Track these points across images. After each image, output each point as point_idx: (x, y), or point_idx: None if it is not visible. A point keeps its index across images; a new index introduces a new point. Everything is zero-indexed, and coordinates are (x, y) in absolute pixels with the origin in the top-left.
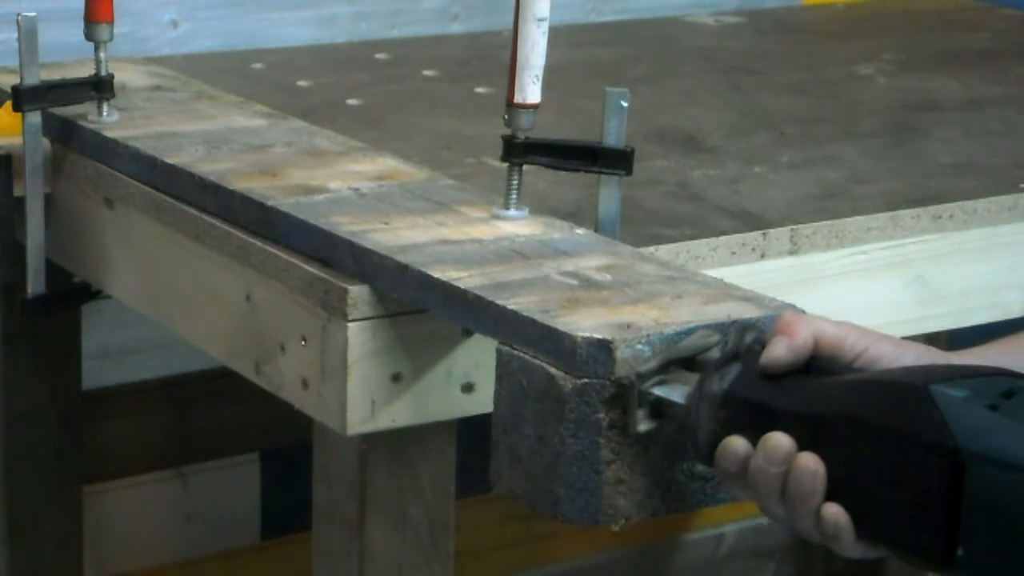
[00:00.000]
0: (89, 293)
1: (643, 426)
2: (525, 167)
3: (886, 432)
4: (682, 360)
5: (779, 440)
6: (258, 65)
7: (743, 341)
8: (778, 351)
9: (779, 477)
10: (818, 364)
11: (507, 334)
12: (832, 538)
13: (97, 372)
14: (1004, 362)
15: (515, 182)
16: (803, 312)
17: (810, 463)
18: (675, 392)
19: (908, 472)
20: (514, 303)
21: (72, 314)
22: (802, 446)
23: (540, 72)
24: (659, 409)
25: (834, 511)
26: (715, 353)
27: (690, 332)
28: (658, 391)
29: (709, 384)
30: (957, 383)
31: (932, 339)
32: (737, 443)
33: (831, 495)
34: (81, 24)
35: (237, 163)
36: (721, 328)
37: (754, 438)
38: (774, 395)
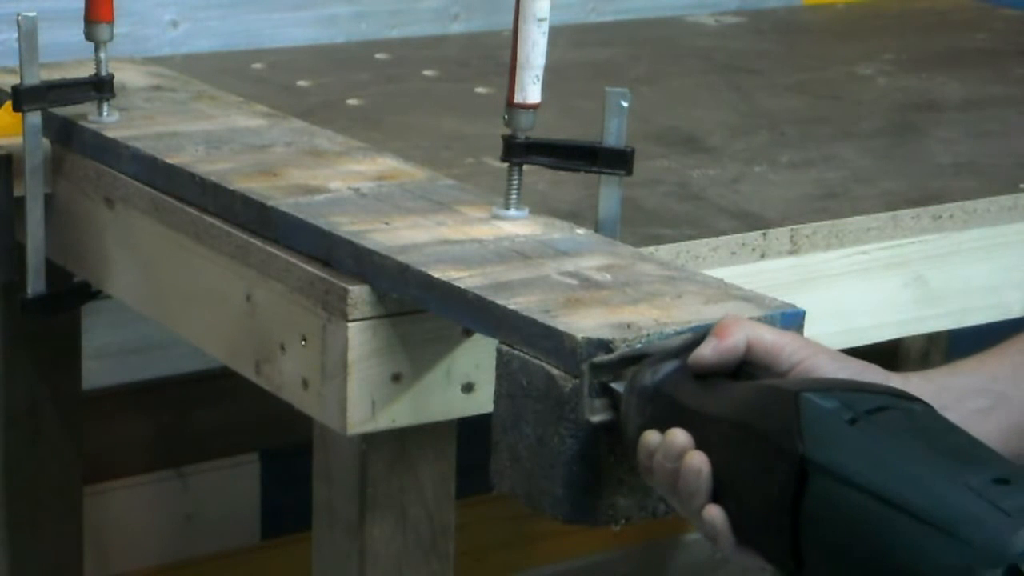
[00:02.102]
0: (89, 293)
1: (596, 416)
2: (525, 167)
3: (753, 435)
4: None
5: (676, 436)
6: (258, 65)
7: (695, 341)
8: (704, 351)
9: (674, 473)
10: (749, 370)
11: (507, 334)
12: (712, 539)
13: (97, 372)
14: (953, 383)
15: (515, 182)
16: (803, 313)
17: (695, 461)
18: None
19: (766, 477)
20: (514, 303)
21: (72, 314)
22: (699, 445)
23: (540, 72)
24: (615, 402)
25: (713, 512)
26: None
27: (693, 331)
28: (614, 384)
29: (641, 378)
30: (832, 394)
31: (932, 339)
32: (651, 437)
33: (717, 496)
34: (81, 24)
35: (237, 163)
36: None
37: None
38: (691, 394)
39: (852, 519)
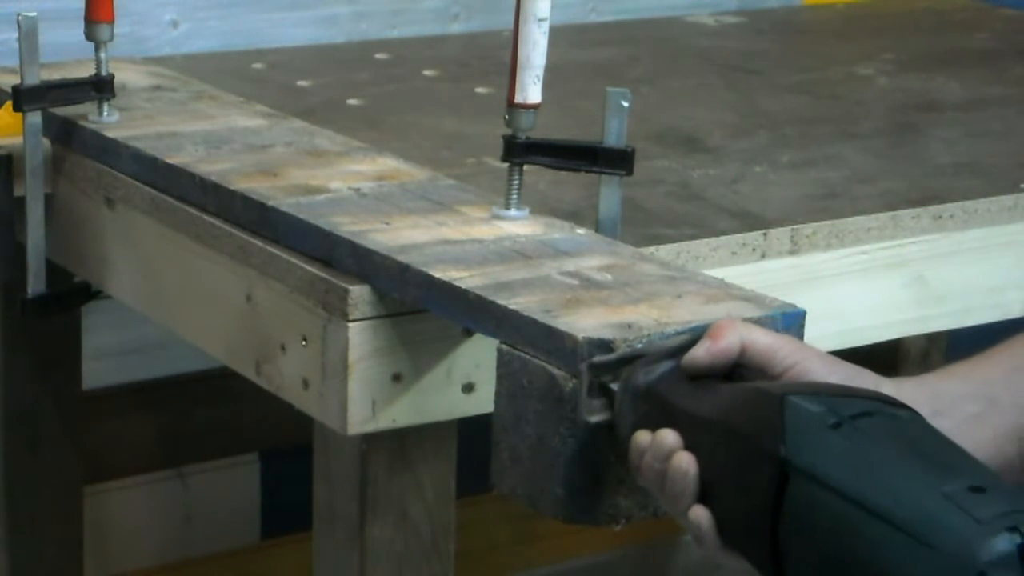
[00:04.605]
0: (89, 293)
1: (595, 416)
2: (526, 167)
3: (738, 437)
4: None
5: (665, 437)
6: (258, 65)
7: (692, 342)
8: (698, 353)
9: (661, 473)
10: (742, 372)
11: (508, 334)
12: (697, 540)
13: (97, 372)
14: (946, 388)
15: (516, 182)
16: (803, 313)
17: (682, 463)
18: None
19: (749, 479)
20: (515, 303)
21: (72, 314)
22: (688, 446)
23: (541, 72)
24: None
25: (698, 513)
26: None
27: (691, 332)
28: (613, 384)
29: (635, 377)
30: (817, 398)
31: (932, 339)
32: (642, 437)
33: (704, 497)
34: (81, 24)
35: (237, 163)
36: None
37: None
38: (683, 395)
39: (829, 523)
